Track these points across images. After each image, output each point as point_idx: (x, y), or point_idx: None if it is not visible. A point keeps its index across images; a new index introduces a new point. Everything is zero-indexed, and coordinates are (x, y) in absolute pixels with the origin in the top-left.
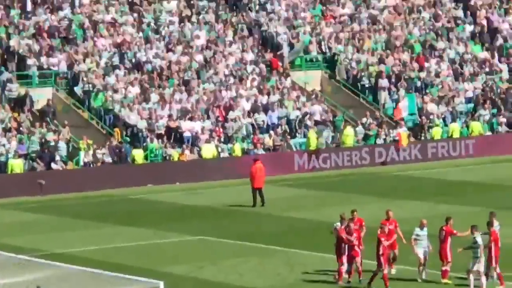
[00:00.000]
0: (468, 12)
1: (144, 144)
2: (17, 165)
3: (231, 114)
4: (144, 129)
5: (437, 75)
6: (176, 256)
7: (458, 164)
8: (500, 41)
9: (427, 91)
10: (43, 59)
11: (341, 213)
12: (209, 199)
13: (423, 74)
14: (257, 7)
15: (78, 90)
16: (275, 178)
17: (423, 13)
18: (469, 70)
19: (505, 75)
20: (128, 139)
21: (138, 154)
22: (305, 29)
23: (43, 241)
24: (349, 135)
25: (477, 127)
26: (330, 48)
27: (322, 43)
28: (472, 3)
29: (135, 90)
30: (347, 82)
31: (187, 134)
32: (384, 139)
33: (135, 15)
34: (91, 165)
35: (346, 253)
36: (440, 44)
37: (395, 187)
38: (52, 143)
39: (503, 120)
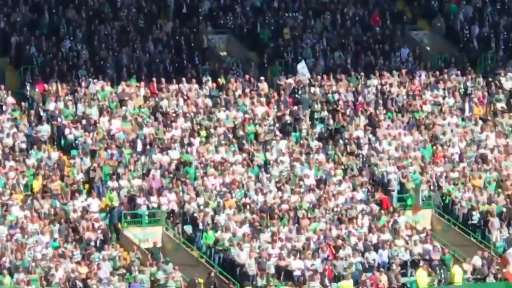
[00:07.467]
0: None
1: (254, 282)
2: None
3: (341, 253)
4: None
5: None
6: None
7: None
8: None
9: None
10: (153, 198)
11: None
12: None
13: None
14: (366, 146)
15: (188, 229)
16: None
17: None
18: None
19: None
20: None
21: None
22: (415, 169)
23: None
24: (457, 274)
25: None
26: (440, 187)
27: (432, 182)
28: None
29: (244, 229)
30: (457, 220)
31: (297, 273)
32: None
33: (245, 155)
34: None
35: None
36: None
37: None
38: (162, 282)
39: None
